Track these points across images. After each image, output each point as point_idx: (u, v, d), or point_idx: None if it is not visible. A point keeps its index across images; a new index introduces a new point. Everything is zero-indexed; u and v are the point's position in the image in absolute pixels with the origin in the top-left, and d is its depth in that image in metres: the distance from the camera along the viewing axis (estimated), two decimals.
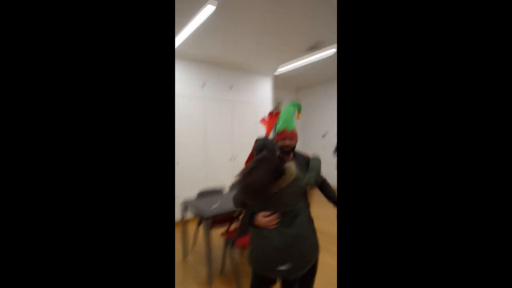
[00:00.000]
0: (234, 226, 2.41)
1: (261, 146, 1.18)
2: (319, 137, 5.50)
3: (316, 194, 1.43)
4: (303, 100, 5.83)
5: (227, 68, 4.05)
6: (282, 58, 3.72)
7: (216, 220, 2.35)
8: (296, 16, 2.43)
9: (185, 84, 3.55)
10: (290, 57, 3.67)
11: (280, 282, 1.21)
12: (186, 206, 2.35)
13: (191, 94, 3.62)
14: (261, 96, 4.57)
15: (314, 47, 3.24)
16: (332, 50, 3.29)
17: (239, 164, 4.01)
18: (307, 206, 1.27)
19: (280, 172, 1.10)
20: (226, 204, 2.18)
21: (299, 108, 1.48)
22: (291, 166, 1.14)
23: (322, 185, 1.37)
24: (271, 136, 1.41)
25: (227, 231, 2.29)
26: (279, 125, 1.36)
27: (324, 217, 2.86)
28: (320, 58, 3.61)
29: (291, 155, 1.36)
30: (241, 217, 2.32)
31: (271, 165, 1.09)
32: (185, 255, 2.53)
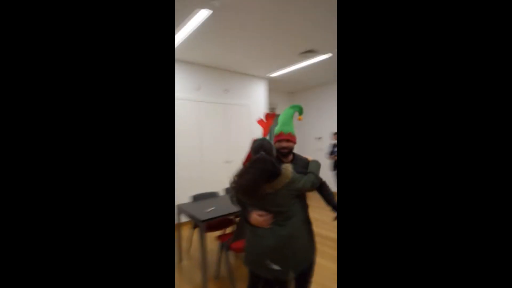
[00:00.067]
0: (229, 230, 2.38)
1: (258, 146, 1.18)
2: (314, 140, 5.53)
3: (316, 197, 1.42)
4: (297, 103, 5.83)
5: (223, 71, 4.05)
6: (277, 62, 3.74)
7: (211, 224, 2.33)
8: (291, 20, 2.46)
9: (181, 87, 3.54)
10: (285, 61, 3.70)
11: (274, 282, 1.20)
12: (180, 210, 2.32)
13: (187, 97, 3.60)
14: (256, 100, 4.59)
15: (309, 51, 3.28)
16: (327, 54, 3.33)
17: (234, 166, 3.99)
18: (303, 208, 1.27)
19: (275, 173, 1.11)
20: (221, 208, 2.16)
21: (300, 111, 1.47)
22: (287, 168, 1.15)
23: (321, 188, 1.37)
24: (268, 137, 1.41)
25: (222, 235, 2.26)
26: (277, 127, 1.36)
27: (324, 220, 2.85)
28: (315, 62, 3.65)
29: (290, 157, 1.36)
30: (237, 220, 2.30)
31: (267, 165, 1.10)
32: (180, 259, 2.49)
